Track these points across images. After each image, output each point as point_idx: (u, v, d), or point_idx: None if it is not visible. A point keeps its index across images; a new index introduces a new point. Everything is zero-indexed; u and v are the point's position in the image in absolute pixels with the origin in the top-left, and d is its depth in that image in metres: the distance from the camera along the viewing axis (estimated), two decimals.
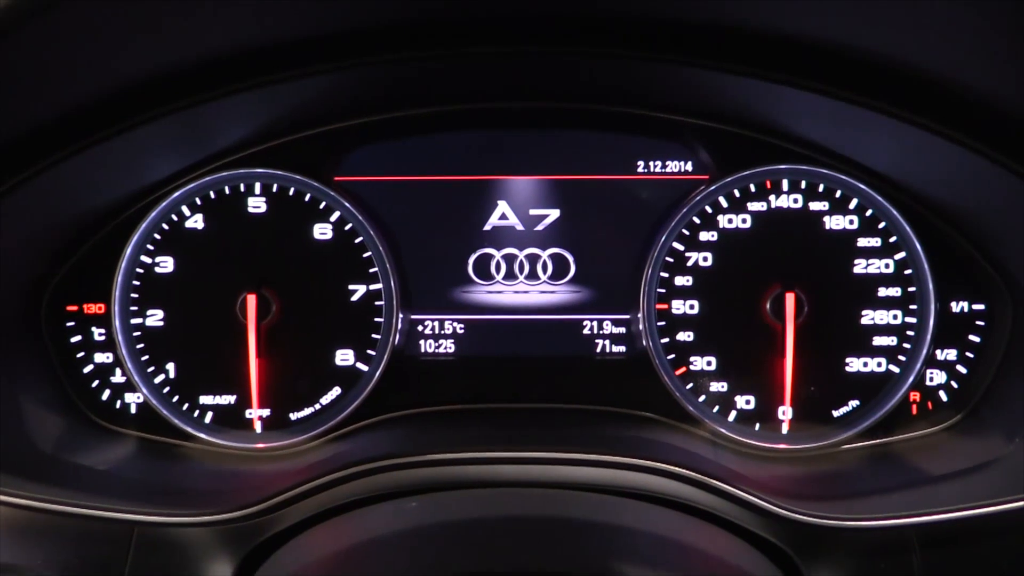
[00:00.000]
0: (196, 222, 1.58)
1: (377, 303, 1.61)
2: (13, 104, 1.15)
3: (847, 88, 1.30)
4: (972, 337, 1.56)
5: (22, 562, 1.17)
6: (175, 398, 1.60)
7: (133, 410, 1.61)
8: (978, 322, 1.56)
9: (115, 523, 1.25)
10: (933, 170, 1.45)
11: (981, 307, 1.55)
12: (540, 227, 1.62)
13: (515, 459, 1.31)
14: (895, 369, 1.57)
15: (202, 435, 1.60)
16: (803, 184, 1.56)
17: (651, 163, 1.60)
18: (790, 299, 1.54)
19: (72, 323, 1.60)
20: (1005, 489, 1.24)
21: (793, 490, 1.34)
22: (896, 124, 1.31)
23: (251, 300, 1.56)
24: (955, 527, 1.22)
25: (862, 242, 1.55)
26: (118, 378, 1.61)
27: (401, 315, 1.61)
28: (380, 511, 1.18)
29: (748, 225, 1.57)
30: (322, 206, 1.59)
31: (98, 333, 1.60)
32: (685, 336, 1.60)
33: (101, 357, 1.60)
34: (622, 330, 1.63)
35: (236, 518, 1.26)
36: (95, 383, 1.61)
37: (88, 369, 1.60)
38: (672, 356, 1.59)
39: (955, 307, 1.56)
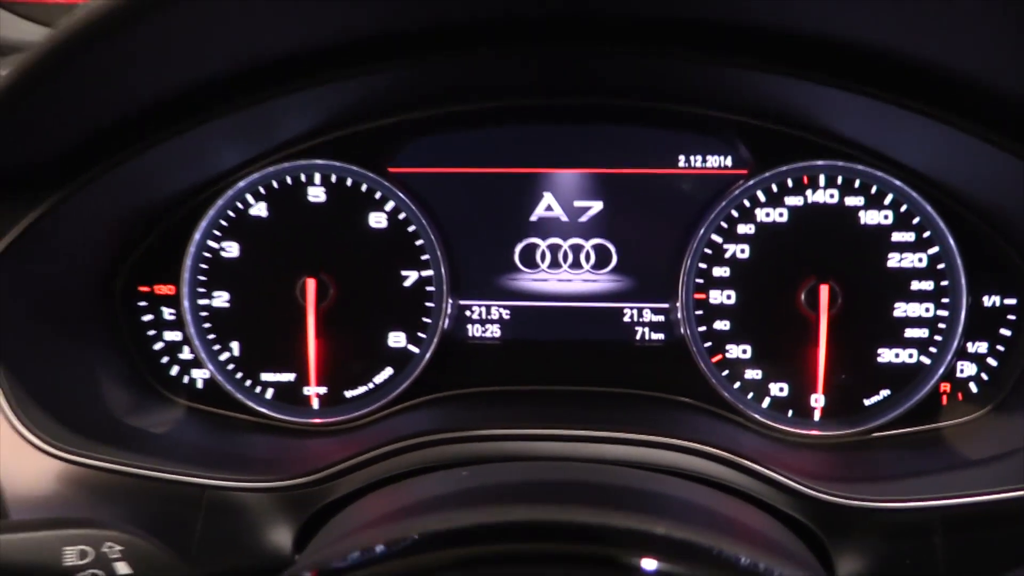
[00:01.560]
0: (260, 210, 1.67)
1: (428, 288, 1.68)
2: (102, 100, 1.25)
3: (883, 88, 1.34)
4: (1003, 331, 1.60)
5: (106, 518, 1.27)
6: (239, 375, 1.70)
7: (200, 385, 1.71)
8: (1009, 316, 1.59)
9: (187, 486, 1.36)
10: (967, 168, 1.48)
11: (1013, 302, 1.59)
12: (584, 218, 1.68)
13: (557, 436, 1.39)
14: (926, 360, 1.61)
15: (263, 410, 1.69)
16: (839, 180, 1.60)
17: (692, 158, 1.65)
18: (824, 291, 1.59)
19: (144, 303, 1.70)
20: None
21: (822, 473, 1.40)
22: (931, 123, 1.35)
23: (310, 284, 1.66)
24: (979, 511, 1.27)
25: (896, 237, 1.59)
26: (186, 355, 1.71)
27: (450, 300, 1.69)
28: (428, 478, 1.26)
29: (785, 219, 1.62)
30: (377, 196, 1.66)
31: (168, 313, 1.70)
32: (722, 325, 1.65)
33: (170, 335, 1.70)
34: (661, 318, 1.69)
35: (295, 486, 1.36)
36: (165, 359, 1.71)
37: (159, 346, 1.70)
38: (709, 344, 1.65)
39: (987, 301, 1.59)
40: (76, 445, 1.37)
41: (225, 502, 1.36)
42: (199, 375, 1.71)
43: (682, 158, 1.66)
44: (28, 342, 1.43)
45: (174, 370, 1.71)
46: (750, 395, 1.65)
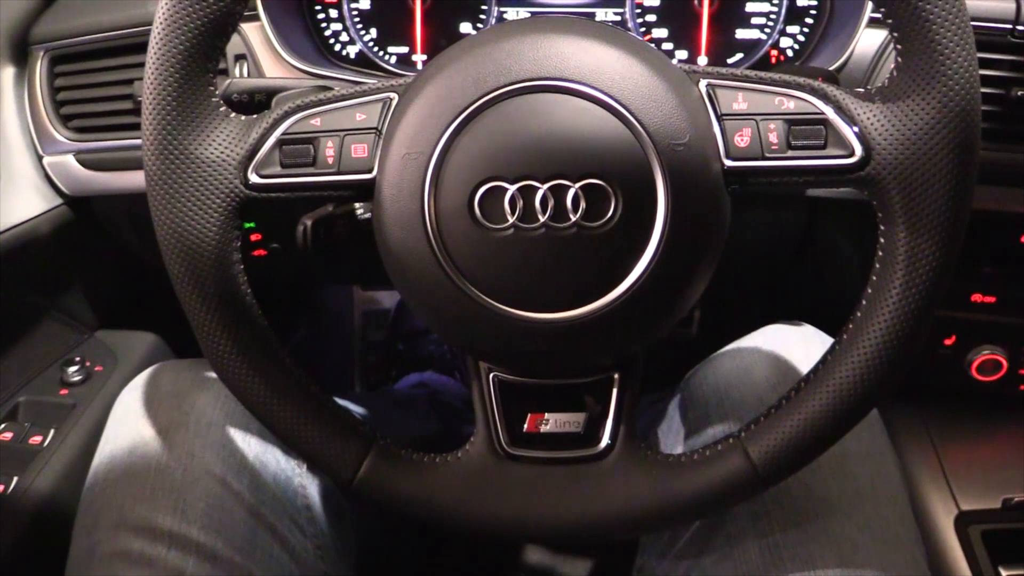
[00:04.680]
0: None
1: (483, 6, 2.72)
2: None
3: None
4: (808, 20, 2.61)
5: None
6: (375, 48, 2.75)
7: (352, 55, 2.76)
8: (812, 12, 2.59)
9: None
10: None
11: (815, 2, 2.62)
12: None
13: None
14: (763, 36, 2.64)
15: (389, 68, 2.77)
16: None
17: None
18: None
19: (319, 6, 2.80)
20: None
21: None
22: None
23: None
24: None
25: None
26: (344, 38, 2.72)
27: (496, 8, 2.78)
28: None
29: None
30: None
31: (332, 12, 2.73)
32: (651, 18, 2.63)
33: (335, 26, 2.73)
34: (619, 11, 2.84)
35: None
36: (332, 40, 2.75)
37: (328, 32, 2.73)
38: (643, 29, 2.67)
39: (799, 1, 2.69)
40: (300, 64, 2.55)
41: None
42: (352, 50, 2.74)
43: None
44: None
45: (337, 47, 2.77)
46: (671, 54, 2.70)
